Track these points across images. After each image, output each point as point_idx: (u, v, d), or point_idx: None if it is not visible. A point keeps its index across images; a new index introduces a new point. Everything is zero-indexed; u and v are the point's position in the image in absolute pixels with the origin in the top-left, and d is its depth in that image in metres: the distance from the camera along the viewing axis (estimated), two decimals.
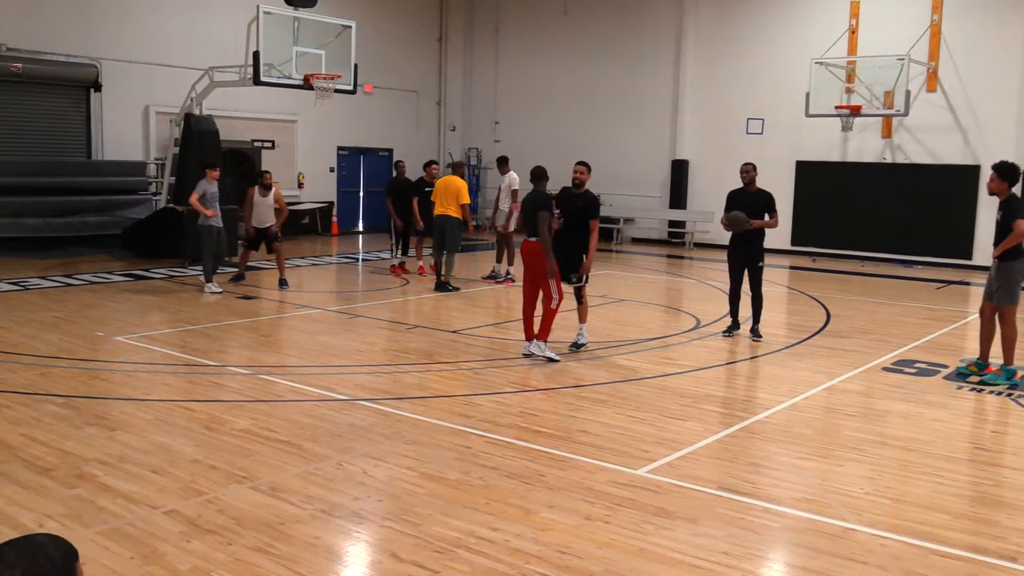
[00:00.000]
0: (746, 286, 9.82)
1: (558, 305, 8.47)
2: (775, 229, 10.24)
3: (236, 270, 13.24)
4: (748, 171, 9.80)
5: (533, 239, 8.45)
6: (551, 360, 8.37)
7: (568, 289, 8.78)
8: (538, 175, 8.75)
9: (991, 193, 8.12)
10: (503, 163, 14.43)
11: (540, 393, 7.42)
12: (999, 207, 8.03)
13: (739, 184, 9.89)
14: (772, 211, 9.69)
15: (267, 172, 13.18)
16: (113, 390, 7.28)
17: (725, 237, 10.09)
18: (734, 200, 9.84)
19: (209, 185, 12.06)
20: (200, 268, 12.53)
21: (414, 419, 6.51)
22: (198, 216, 12.06)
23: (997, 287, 8.03)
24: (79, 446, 5.70)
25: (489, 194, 22.94)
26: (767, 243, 9.97)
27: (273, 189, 12.61)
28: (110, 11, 17.22)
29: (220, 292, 12.02)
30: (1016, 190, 8.19)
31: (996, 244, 8.01)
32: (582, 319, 9.12)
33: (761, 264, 9.77)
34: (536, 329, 8.57)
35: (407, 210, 14.12)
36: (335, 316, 10.84)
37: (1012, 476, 5.67)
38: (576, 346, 9.02)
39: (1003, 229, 7.91)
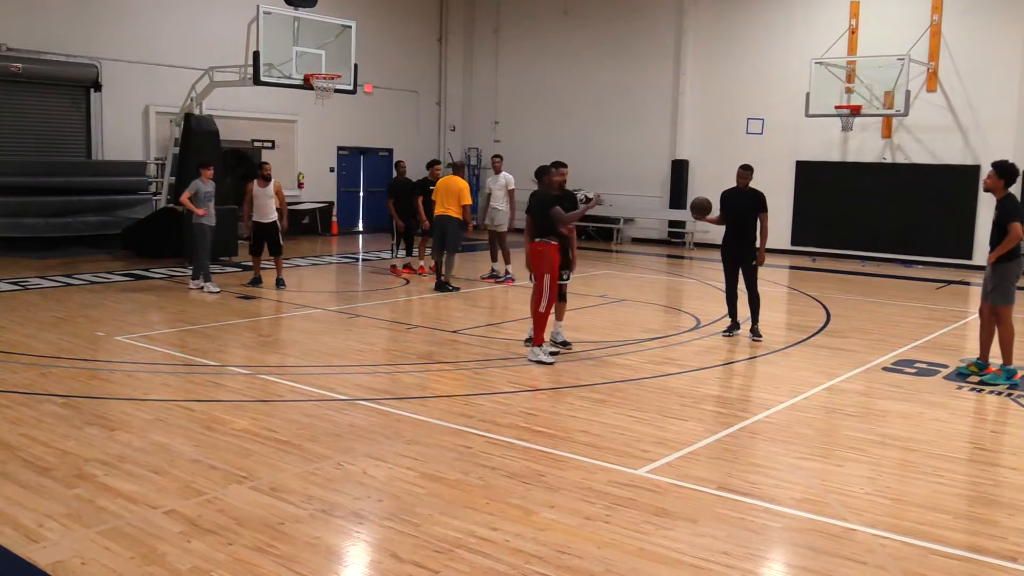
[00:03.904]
0: (742, 285, 9.85)
1: (547, 310, 8.41)
2: (774, 228, 10.24)
3: (237, 270, 13.24)
4: (743, 175, 9.85)
5: (541, 240, 8.38)
6: (543, 363, 8.33)
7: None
8: (543, 173, 8.60)
9: (986, 190, 8.13)
10: (499, 160, 14.43)
11: (540, 393, 7.42)
12: (995, 207, 8.04)
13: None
14: (761, 209, 9.71)
15: (266, 163, 13.19)
16: (113, 390, 7.28)
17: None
18: (726, 199, 9.94)
19: (203, 184, 12.09)
20: (189, 268, 12.60)
21: (414, 419, 6.51)
22: (193, 215, 12.10)
23: (992, 288, 8.03)
24: (79, 446, 5.70)
25: None
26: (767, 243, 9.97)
27: (272, 181, 12.60)
28: (110, 11, 17.23)
29: (217, 292, 12.04)
30: (1015, 191, 8.20)
31: (991, 243, 8.01)
32: (561, 317, 9.12)
33: (754, 263, 9.78)
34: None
35: (408, 210, 14.13)
36: (335, 316, 10.84)
37: (1012, 476, 5.67)
38: (565, 344, 9.02)
39: (997, 228, 7.92)
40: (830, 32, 18.60)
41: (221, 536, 4.39)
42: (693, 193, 20.99)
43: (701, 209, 9.78)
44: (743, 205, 9.74)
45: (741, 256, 9.80)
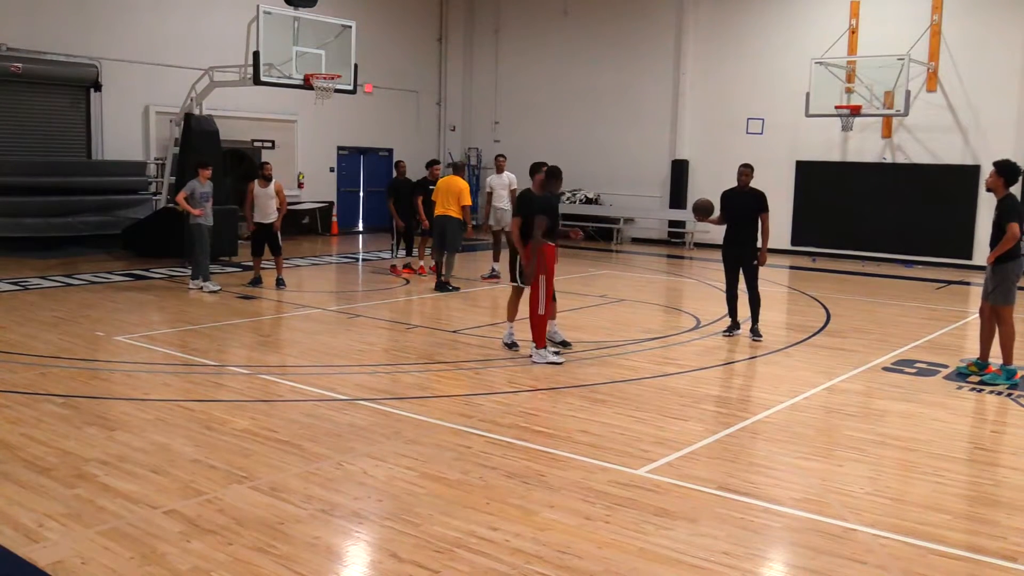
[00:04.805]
0: (743, 285, 9.84)
1: (546, 311, 8.40)
2: (774, 228, 10.15)
3: (237, 270, 13.24)
4: (745, 172, 9.81)
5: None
6: (553, 363, 8.33)
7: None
8: (552, 175, 8.59)
9: (988, 190, 8.13)
10: (504, 159, 14.42)
11: (540, 393, 7.42)
12: (995, 207, 8.05)
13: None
14: (763, 209, 9.70)
15: (267, 163, 13.19)
16: (113, 390, 7.28)
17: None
18: (727, 199, 9.90)
19: (200, 185, 12.10)
20: (188, 268, 12.63)
21: (414, 419, 6.51)
22: (190, 215, 12.10)
23: (993, 288, 8.03)
24: (79, 446, 5.70)
25: None
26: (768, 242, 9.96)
27: (273, 181, 12.59)
28: (110, 11, 17.23)
29: (218, 290, 12.04)
30: (1016, 191, 8.20)
31: (991, 243, 8.02)
32: (553, 316, 9.03)
33: (756, 263, 9.76)
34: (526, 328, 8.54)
35: (407, 210, 14.13)
36: (335, 316, 10.84)
37: (1012, 476, 5.67)
38: (564, 344, 9.00)
39: (997, 229, 7.93)
40: (830, 32, 18.60)
41: (221, 536, 4.39)
42: (693, 193, 21.00)
43: (703, 211, 9.75)
44: (744, 205, 9.73)
45: (742, 256, 9.79)
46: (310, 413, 6.61)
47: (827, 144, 19.08)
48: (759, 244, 9.76)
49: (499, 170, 14.19)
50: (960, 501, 5.23)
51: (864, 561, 4.32)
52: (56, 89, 16.73)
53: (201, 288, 12.14)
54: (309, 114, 19.79)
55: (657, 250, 20.46)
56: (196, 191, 12.06)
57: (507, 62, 23.90)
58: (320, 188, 21.52)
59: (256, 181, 12.62)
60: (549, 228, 8.38)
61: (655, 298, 13.47)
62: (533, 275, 8.34)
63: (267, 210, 12.57)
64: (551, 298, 8.51)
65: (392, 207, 14.43)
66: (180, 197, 12.12)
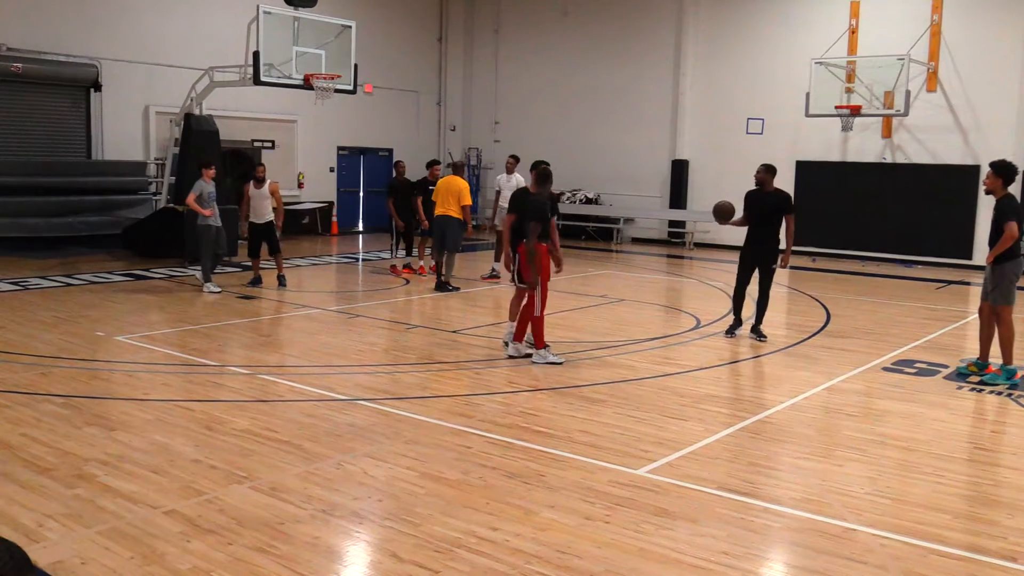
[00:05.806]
0: (752, 286, 9.79)
1: (542, 312, 8.43)
2: (790, 229, 9.95)
3: (237, 270, 13.24)
4: (757, 172, 9.78)
5: (538, 242, 8.41)
6: (553, 363, 8.34)
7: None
8: (540, 178, 8.59)
9: (987, 191, 8.14)
10: (517, 160, 14.36)
11: (540, 393, 7.42)
12: (994, 207, 8.05)
13: (744, 185, 9.92)
14: (788, 210, 9.66)
15: (261, 165, 13.21)
16: (113, 390, 7.29)
17: (725, 237, 10.10)
18: (750, 200, 9.81)
19: (206, 185, 12.09)
20: (198, 268, 12.63)
21: (414, 419, 6.51)
22: (197, 216, 12.08)
23: (992, 288, 8.04)
24: (79, 446, 5.70)
25: (490, 194, 22.96)
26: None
27: (267, 182, 12.58)
28: (110, 11, 17.23)
29: (219, 292, 12.03)
30: (1015, 191, 8.20)
31: (991, 243, 8.02)
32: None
33: (774, 266, 9.71)
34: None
35: (407, 210, 14.13)
36: (335, 316, 10.84)
37: (1012, 476, 5.67)
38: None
39: (996, 228, 7.93)
40: (830, 32, 18.60)
41: (221, 536, 4.39)
42: (693, 193, 21.01)
43: (725, 214, 9.55)
44: (770, 206, 9.61)
45: (762, 257, 9.68)
46: (310, 413, 6.61)
47: (827, 144, 19.08)
48: (780, 245, 9.69)
49: (508, 171, 14.17)
50: (960, 501, 5.23)
51: (864, 561, 4.32)
52: (56, 89, 16.73)
53: (203, 288, 12.13)
54: (309, 114, 19.78)
55: (657, 250, 20.44)
56: (204, 191, 12.05)
57: (507, 62, 23.90)
58: (320, 188, 21.52)
59: (251, 182, 12.63)
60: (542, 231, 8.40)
61: (655, 298, 13.47)
62: (535, 280, 8.33)
63: (261, 211, 12.57)
64: (545, 300, 8.52)
65: (392, 207, 14.44)
66: (191, 199, 12.07)
